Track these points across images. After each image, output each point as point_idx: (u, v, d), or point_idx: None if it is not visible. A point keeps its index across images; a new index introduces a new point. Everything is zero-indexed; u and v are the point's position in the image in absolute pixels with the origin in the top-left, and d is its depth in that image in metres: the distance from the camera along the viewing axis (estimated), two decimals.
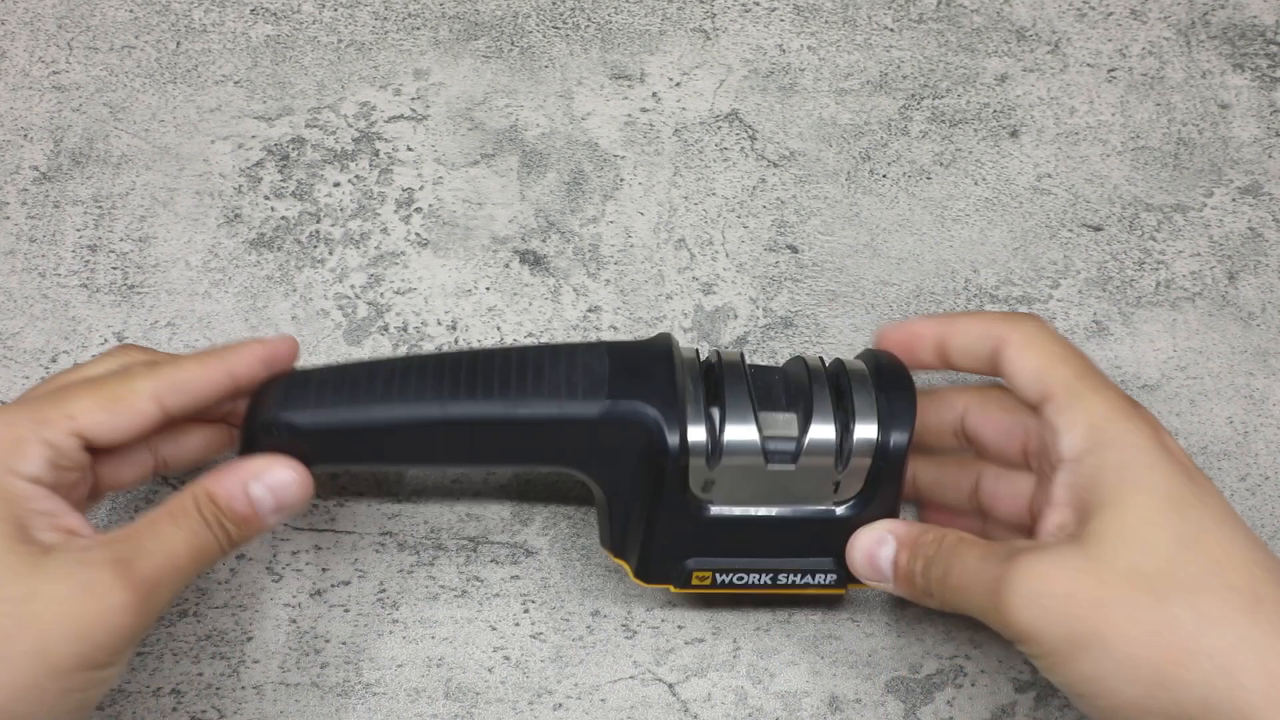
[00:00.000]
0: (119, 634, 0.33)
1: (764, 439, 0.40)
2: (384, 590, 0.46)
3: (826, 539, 0.41)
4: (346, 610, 0.46)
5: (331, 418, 0.39)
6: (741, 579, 0.42)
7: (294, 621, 0.46)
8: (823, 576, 0.42)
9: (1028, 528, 0.41)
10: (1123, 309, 0.48)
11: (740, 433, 0.40)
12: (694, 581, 0.42)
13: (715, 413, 0.40)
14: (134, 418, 0.36)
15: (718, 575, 0.42)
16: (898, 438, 0.40)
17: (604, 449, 0.40)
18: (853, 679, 0.46)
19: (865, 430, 0.40)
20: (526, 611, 0.46)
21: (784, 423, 0.40)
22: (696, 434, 0.40)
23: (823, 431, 0.40)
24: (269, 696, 0.45)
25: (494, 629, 0.46)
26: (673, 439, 0.39)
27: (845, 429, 0.40)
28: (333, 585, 0.46)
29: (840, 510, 0.41)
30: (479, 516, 0.47)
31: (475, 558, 0.47)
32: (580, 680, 0.46)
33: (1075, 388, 0.37)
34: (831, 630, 0.46)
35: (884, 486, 0.40)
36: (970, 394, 0.43)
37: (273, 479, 0.37)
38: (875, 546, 0.40)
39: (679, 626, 0.46)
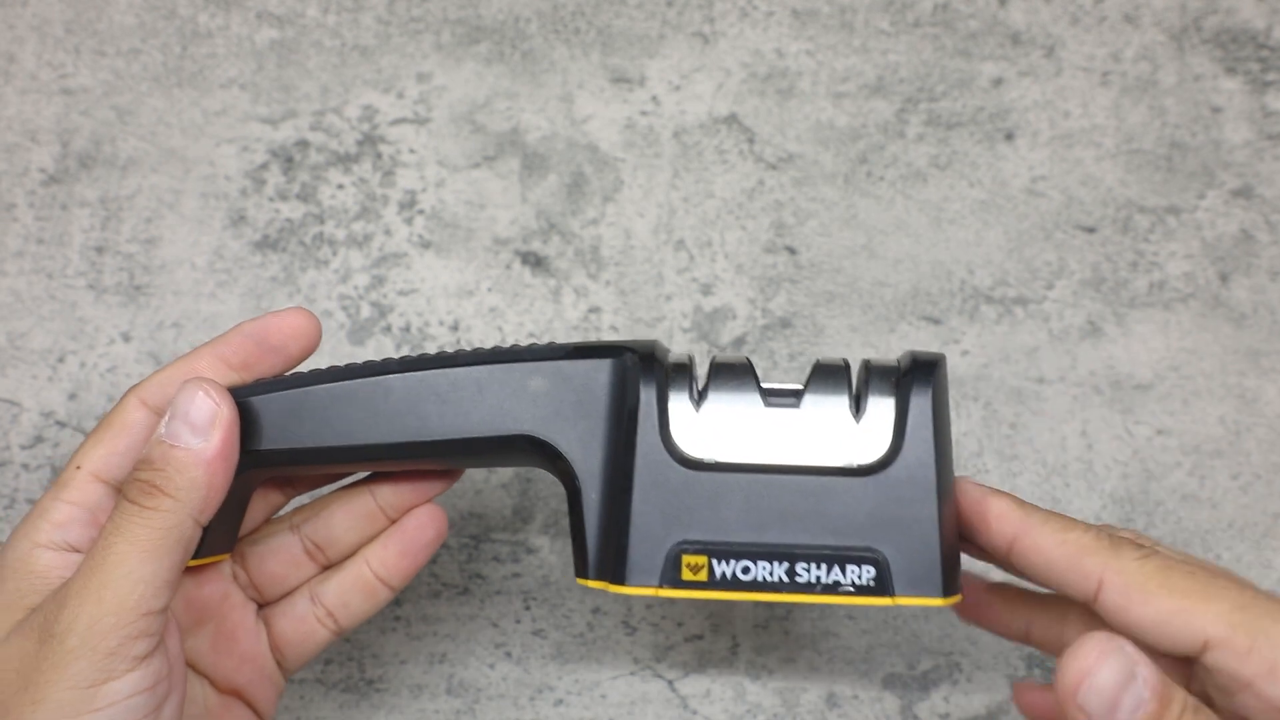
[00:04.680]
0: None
1: (760, 383, 0.34)
2: None
3: (857, 514, 0.33)
4: None
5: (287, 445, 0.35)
6: (748, 571, 0.33)
7: None
8: (858, 573, 0.33)
9: None
10: (1116, 310, 0.49)
11: (730, 363, 0.34)
12: (685, 575, 0.33)
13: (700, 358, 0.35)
14: (126, 429, 0.34)
15: (715, 563, 0.33)
16: (923, 372, 0.33)
17: (568, 401, 0.34)
18: (850, 675, 0.46)
19: (882, 366, 0.34)
20: (528, 608, 0.47)
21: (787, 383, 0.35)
22: (677, 362, 0.34)
23: (830, 365, 0.34)
24: None
25: (495, 626, 0.47)
26: (647, 370, 0.34)
27: (859, 369, 0.35)
28: None
29: (866, 467, 0.33)
30: (480, 515, 0.48)
31: (477, 555, 0.47)
32: (581, 676, 0.46)
33: (1247, 623, 0.30)
34: (829, 627, 0.47)
35: (915, 438, 0.33)
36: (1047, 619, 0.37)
37: (179, 409, 0.33)
38: (1123, 682, 0.27)
39: (678, 624, 0.47)
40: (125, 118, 0.51)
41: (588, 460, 0.34)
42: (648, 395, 0.34)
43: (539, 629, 0.47)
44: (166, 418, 0.33)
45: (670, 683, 0.46)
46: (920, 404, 0.33)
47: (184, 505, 0.32)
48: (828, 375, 0.34)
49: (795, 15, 0.52)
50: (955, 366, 0.49)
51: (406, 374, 0.35)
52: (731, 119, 0.51)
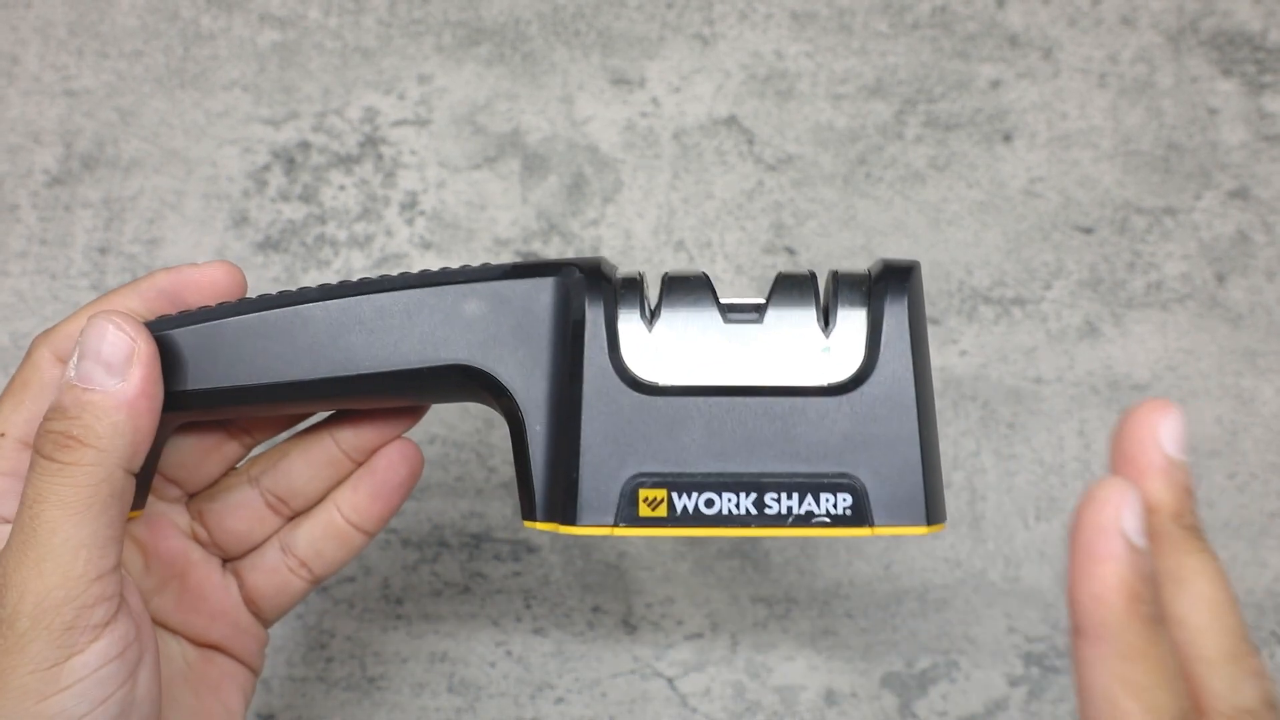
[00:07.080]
0: None
1: (719, 298, 0.31)
2: (388, 586, 0.47)
3: (830, 437, 0.30)
4: (352, 606, 0.47)
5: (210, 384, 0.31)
6: (711, 504, 0.29)
7: (300, 617, 0.47)
8: (833, 502, 0.29)
9: None
10: (1114, 310, 0.49)
11: (684, 276, 0.31)
12: (643, 511, 0.29)
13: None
14: (46, 389, 0.31)
15: (676, 497, 0.29)
16: (897, 279, 0.30)
17: (507, 325, 0.31)
18: (849, 673, 0.47)
19: (851, 275, 0.31)
20: (528, 607, 0.47)
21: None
22: (627, 278, 0.31)
23: (795, 276, 0.31)
24: (275, 691, 0.46)
25: (496, 624, 0.47)
26: (593, 287, 0.31)
27: (826, 279, 0.32)
28: (338, 581, 0.47)
29: (838, 385, 0.30)
30: (481, 514, 0.48)
31: (478, 554, 0.47)
32: (581, 674, 0.47)
33: None
34: (828, 625, 0.47)
35: (891, 351, 0.30)
36: None
37: (89, 347, 0.29)
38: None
39: (678, 622, 0.47)
40: (128, 119, 0.51)
41: (530, 390, 0.31)
42: (594, 315, 0.30)
43: (539, 627, 0.47)
44: (75, 358, 0.29)
45: (670, 681, 0.46)
46: (895, 314, 0.30)
47: (109, 455, 0.28)
48: (792, 286, 0.31)
49: (794, 17, 0.52)
50: (953, 366, 0.49)
51: (328, 302, 0.31)
52: (731, 120, 0.51)
